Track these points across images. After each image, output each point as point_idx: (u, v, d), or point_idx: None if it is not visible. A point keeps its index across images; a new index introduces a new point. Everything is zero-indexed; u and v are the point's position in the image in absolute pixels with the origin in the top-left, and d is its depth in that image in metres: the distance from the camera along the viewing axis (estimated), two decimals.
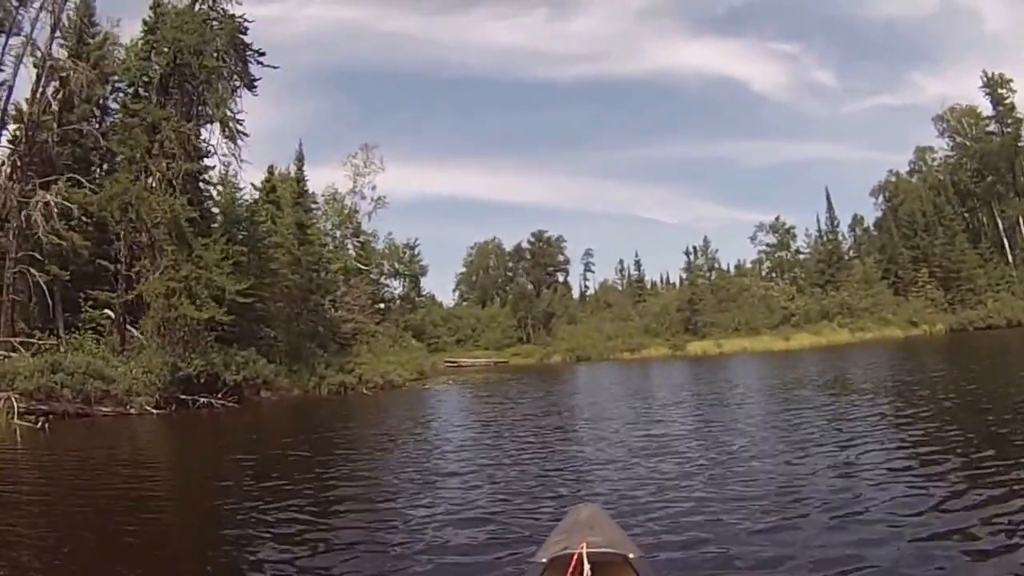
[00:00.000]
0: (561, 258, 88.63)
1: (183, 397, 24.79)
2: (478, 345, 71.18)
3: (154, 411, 22.73)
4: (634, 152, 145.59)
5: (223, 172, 35.67)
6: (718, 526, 6.67)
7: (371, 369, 34.05)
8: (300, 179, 42.57)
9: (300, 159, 42.94)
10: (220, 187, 37.21)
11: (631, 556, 4.15)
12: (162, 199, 25.88)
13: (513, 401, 24.58)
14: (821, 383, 22.52)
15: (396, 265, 67.45)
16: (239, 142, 29.73)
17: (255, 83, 31.42)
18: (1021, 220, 64.10)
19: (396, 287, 70.55)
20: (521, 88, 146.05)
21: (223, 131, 28.83)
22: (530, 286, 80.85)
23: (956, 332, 53.32)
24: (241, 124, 30.66)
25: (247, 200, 38.07)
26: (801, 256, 73.36)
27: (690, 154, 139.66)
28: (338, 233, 56.59)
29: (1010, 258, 63.71)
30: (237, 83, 30.20)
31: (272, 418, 23.89)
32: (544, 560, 4.18)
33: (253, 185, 44.85)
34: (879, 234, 71.66)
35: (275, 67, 32.01)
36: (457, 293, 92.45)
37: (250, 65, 31.08)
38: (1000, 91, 65.94)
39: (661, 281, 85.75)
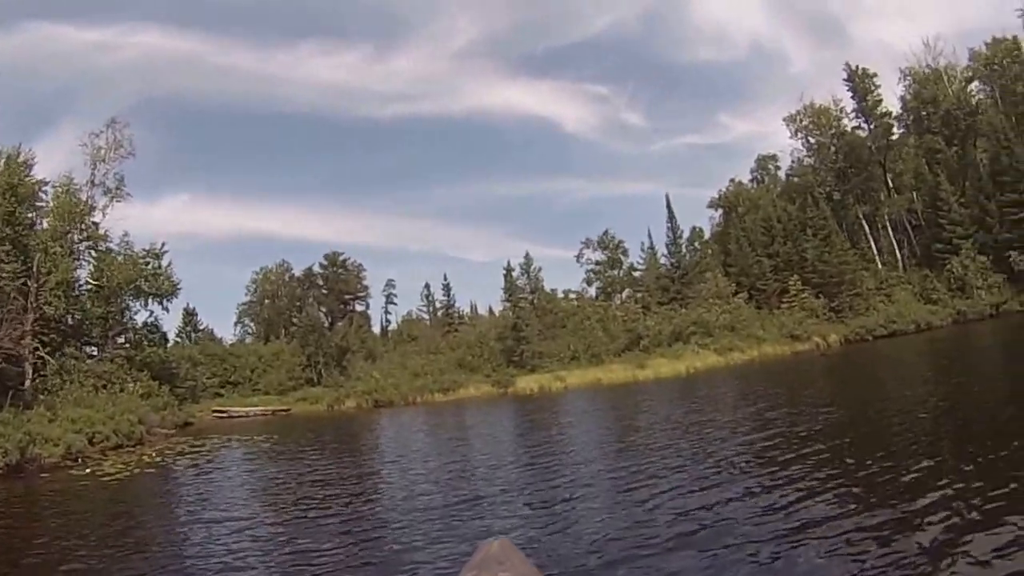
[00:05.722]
0: (359, 287, 75.11)
1: None
2: (257, 389, 57.69)
3: None
4: (444, 190, 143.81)
5: None
6: None
7: None
8: None
9: None
10: None
11: None
12: None
13: None
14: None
15: (140, 282, 50.06)
16: None
17: None
18: (902, 217, 59.90)
19: (137, 310, 53.37)
20: (340, 125, 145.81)
21: None
22: (322, 317, 67.31)
23: (853, 343, 46.40)
24: None
25: None
26: (636, 273, 65.81)
27: (502, 193, 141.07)
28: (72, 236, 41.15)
29: (899, 258, 58.58)
30: None
31: None
32: None
33: None
34: (721, 246, 65.22)
35: None
36: (239, 327, 78.14)
37: None
38: (865, 85, 61.44)
39: (472, 310, 75.70)
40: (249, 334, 75.95)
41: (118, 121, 45.00)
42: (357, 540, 9.72)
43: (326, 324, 64.56)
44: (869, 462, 10.31)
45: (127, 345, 47.37)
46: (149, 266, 50.03)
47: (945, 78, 63.63)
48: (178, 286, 52.63)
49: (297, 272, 74.23)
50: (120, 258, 46.61)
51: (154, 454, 24.89)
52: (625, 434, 18.50)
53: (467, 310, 74.82)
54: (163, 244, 51.23)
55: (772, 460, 11.62)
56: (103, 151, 43.78)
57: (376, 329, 75.07)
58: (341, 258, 73.09)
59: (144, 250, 50.11)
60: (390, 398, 47.38)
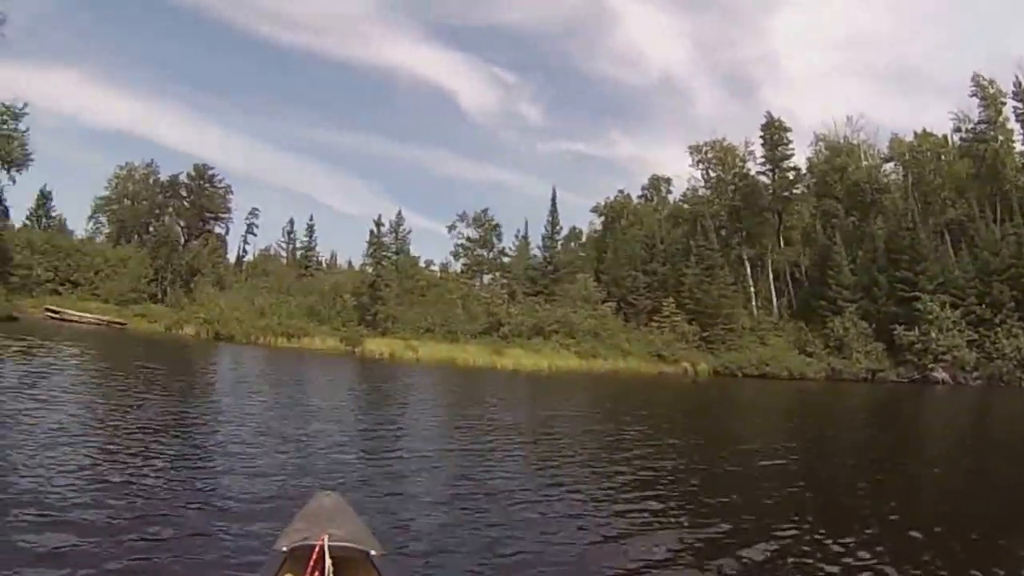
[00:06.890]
0: (223, 207, 68.24)
1: None
2: (98, 294, 53.03)
3: None
4: (328, 134, 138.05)
5: None
6: None
7: None
8: None
9: None
10: None
11: (373, 553, 4.05)
12: None
13: None
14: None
15: None
16: None
17: None
18: (785, 268, 60.43)
19: None
20: (243, 40, 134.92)
21: None
22: (179, 231, 62.09)
23: (722, 375, 46.03)
24: None
25: None
26: (506, 259, 64.23)
27: (383, 151, 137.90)
28: None
29: (775, 305, 58.52)
30: None
31: None
32: (285, 549, 3.98)
33: None
34: (596, 252, 64.62)
35: None
36: (92, 223, 71.30)
37: None
38: (779, 137, 61.19)
39: (331, 259, 73.80)
40: (101, 233, 69.78)
41: None
42: (183, 483, 8.38)
43: (181, 240, 59.77)
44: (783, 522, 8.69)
45: None
46: (5, 125, 45.00)
47: (861, 153, 65.44)
48: (30, 156, 48.46)
49: (163, 177, 67.57)
50: None
51: None
52: (487, 426, 16.37)
53: (327, 257, 72.59)
54: (24, 105, 46.45)
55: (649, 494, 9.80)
56: None
57: (231, 257, 70.59)
58: (210, 172, 66.77)
59: (3, 105, 45.12)
60: (231, 332, 44.16)
